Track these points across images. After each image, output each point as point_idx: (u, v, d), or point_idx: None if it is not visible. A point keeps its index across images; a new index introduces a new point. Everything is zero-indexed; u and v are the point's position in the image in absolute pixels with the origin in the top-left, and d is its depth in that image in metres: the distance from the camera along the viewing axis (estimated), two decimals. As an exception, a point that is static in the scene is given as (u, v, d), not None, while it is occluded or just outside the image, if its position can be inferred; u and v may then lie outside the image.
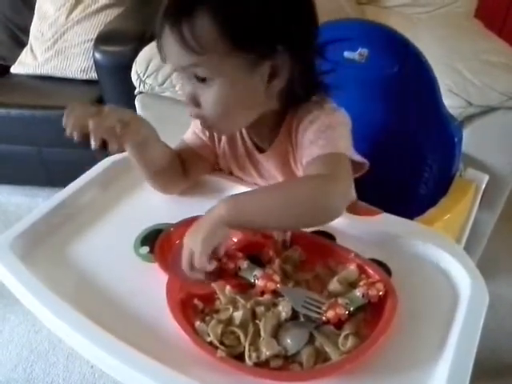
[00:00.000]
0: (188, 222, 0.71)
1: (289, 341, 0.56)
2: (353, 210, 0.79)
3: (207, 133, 0.82)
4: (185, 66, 0.64)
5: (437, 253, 0.65)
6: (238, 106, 0.67)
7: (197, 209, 0.72)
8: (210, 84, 0.64)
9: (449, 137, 0.82)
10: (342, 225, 0.69)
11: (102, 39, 1.70)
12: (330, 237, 0.68)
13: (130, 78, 1.51)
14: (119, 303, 0.62)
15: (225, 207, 0.60)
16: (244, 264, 0.63)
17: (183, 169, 0.81)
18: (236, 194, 0.65)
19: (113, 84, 1.72)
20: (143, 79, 1.42)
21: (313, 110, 0.69)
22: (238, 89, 0.65)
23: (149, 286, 0.63)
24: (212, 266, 0.61)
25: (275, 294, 0.60)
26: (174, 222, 0.71)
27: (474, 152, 1.29)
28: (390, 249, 0.67)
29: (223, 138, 0.82)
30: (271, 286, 0.60)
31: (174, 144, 0.84)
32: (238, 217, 0.60)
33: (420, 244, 0.66)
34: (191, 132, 0.84)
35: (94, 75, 1.83)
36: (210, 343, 0.55)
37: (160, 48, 0.65)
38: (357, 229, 0.69)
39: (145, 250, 0.67)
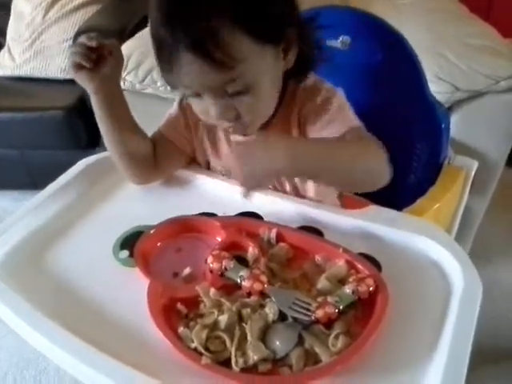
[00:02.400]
0: (169, 224, 0.68)
1: (277, 343, 0.54)
2: (340, 202, 0.77)
3: (183, 122, 0.80)
4: (217, 86, 0.61)
5: (427, 244, 0.63)
6: (275, 96, 0.69)
7: (178, 209, 0.70)
8: (247, 91, 0.63)
9: (436, 124, 0.80)
10: (329, 219, 0.67)
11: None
12: (317, 232, 0.66)
13: (111, 75, 1.48)
14: (99, 311, 0.59)
15: (289, 161, 0.58)
16: (231, 264, 0.60)
17: (156, 160, 0.79)
18: (298, 147, 0.61)
19: (93, 83, 1.68)
20: (123, 76, 1.38)
21: (317, 91, 0.70)
22: (273, 81, 0.66)
23: (129, 292, 0.60)
24: None
25: (263, 295, 0.58)
26: (155, 223, 0.68)
27: (463, 138, 1.27)
28: (379, 242, 0.65)
29: (200, 127, 0.80)
30: (258, 286, 0.57)
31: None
32: (297, 173, 0.65)
33: (410, 236, 0.64)
34: (167, 122, 0.81)
35: (74, 74, 1.79)
36: (195, 349, 0.53)
37: (171, 75, 0.62)
38: (344, 222, 0.66)
39: (124, 254, 0.65)
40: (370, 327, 0.53)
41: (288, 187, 0.78)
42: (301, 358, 0.52)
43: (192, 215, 0.69)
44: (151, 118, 1.05)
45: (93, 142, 1.85)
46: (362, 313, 0.56)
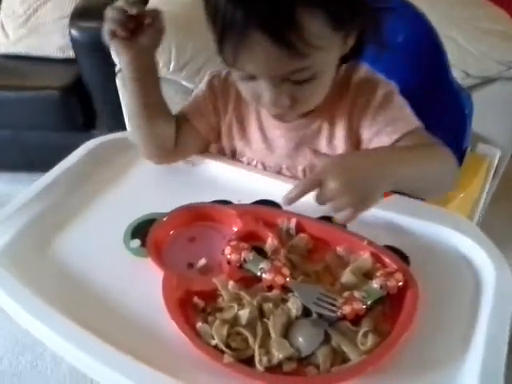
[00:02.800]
0: (183, 211, 0.65)
1: (301, 341, 0.50)
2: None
3: (211, 106, 0.75)
4: (283, 74, 0.57)
5: (455, 236, 0.60)
6: (330, 83, 0.65)
7: (191, 196, 0.66)
8: (311, 80, 0.59)
9: (460, 109, 0.76)
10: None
11: (79, 14, 1.59)
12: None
13: (109, 55, 1.42)
14: (109, 304, 0.55)
15: (393, 178, 0.56)
16: (250, 256, 0.57)
17: (176, 142, 0.74)
18: (394, 157, 0.59)
19: (92, 62, 1.62)
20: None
21: (374, 84, 0.67)
22: (334, 68, 0.63)
23: (142, 285, 0.57)
24: None
25: (284, 288, 0.55)
26: (168, 210, 0.64)
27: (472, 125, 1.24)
28: (404, 234, 0.62)
29: (230, 111, 0.75)
30: (280, 280, 0.54)
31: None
32: (395, 185, 0.59)
33: (436, 227, 0.61)
34: (193, 104, 0.76)
35: (71, 53, 1.72)
36: (215, 347, 0.50)
37: (230, 53, 0.56)
38: (367, 213, 0.63)
39: (136, 243, 0.61)
40: (400, 325, 0.50)
41: (301, 173, 0.75)
42: (328, 356, 0.49)
43: (206, 203, 0.66)
44: None
45: (89, 124, 1.80)
46: (389, 309, 0.54)
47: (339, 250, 0.60)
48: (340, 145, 0.70)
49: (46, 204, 0.69)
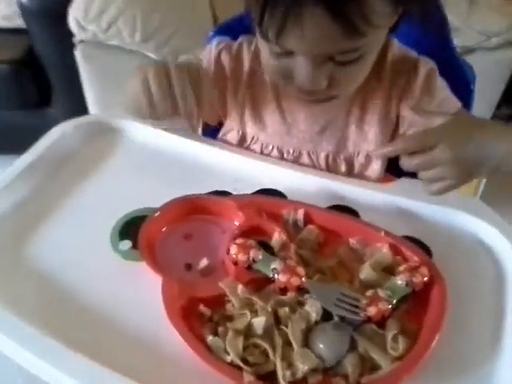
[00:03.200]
0: (176, 205, 0.57)
1: (325, 348, 0.45)
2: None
3: (217, 86, 0.67)
4: (333, 52, 0.52)
5: (476, 224, 0.56)
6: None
7: (184, 187, 0.59)
8: (357, 61, 0.54)
9: (465, 84, 0.72)
10: (363, 196, 0.58)
11: (26, -22, 1.43)
12: (351, 212, 0.57)
13: (66, 24, 1.29)
14: (99, 318, 0.48)
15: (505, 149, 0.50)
16: (259, 255, 0.51)
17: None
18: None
19: (44, 32, 1.47)
20: (84, 25, 1.20)
21: (413, 62, 0.62)
22: (379, 48, 0.58)
23: (136, 293, 0.50)
24: None
25: (299, 290, 0.49)
26: (157, 203, 0.57)
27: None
28: (421, 222, 0.58)
29: (242, 90, 0.67)
30: (296, 281, 0.49)
31: (121, 100, 0.67)
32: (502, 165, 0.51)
33: (455, 214, 0.57)
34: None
35: (20, 22, 1.56)
36: (231, 364, 0.44)
37: (274, 26, 0.49)
38: (380, 200, 0.58)
39: (126, 244, 0.53)
40: (430, 325, 0.46)
41: (323, 160, 0.68)
42: (357, 366, 0.44)
43: (202, 194, 0.59)
44: (115, 71, 0.90)
45: (44, 101, 1.65)
46: (413, 306, 0.49)
47: (352, 242, 0.55)
48: (372, 131, 0.64)
49: (14, 199, 0.59)
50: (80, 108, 1.57)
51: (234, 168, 0.64)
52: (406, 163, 0.51)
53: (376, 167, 0.66)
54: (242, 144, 0.69)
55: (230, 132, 0.70)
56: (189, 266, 0.53)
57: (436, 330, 0.46)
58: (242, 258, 0.50)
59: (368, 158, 0.67)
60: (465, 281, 0.52)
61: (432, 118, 0.59)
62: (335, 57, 0.53)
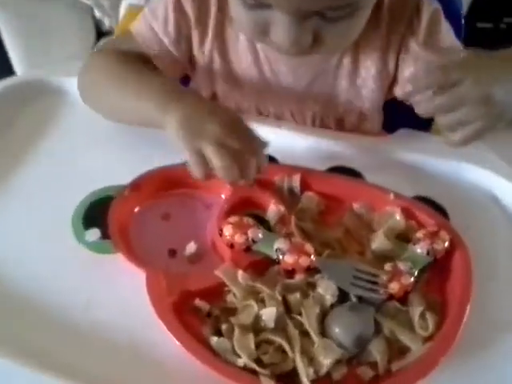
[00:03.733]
0: (147, 179, 0.48)
1: (344, 334, 0.39)
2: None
3: (185, 30, 0.56)
4: (322, 8, 0.43)
5: (491, 179, 0.51)
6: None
7: (157, 156, 0.49)
8: (348, 17, 0.45)
9: (454, 14, 0.64)
10: (364, 154, 0.51)
11: None
12: (353, 173, 0.50)
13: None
14: (67, 327, 0.39)
15: None
16: (259, 234, 0.43)
17: None
18: None
19: None
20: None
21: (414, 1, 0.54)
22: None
23: (114, 292, 0.41)
24: None
25: (308, 270, 0.42)
26: (126, 180, 0.47)
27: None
28: (431, 178, 0.52)
29: (209, 41, 0.56)
30: (305, 261, 0.42)
31: (43, 48, 0.56)
32: None
33: (466, 168, 0.51)
34: (147, 32, 0.56)
35: None
36: (244, 368, 0.37)
37: None
38: (383, 157, 0.51)
39: (93, 234, 0.43)
40: (460, 296, 0.41)
41: (309, 121, 0.60)
42: (385, 352, 0.39)
43: (177, 164, 0.49)
44: (34, 18, 0.75)
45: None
46: (435, 276, 0.44)
47: (356, 207, 0.49)
48: (366, 86, 0.56)
49: None
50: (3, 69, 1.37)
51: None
52: (424, 105, 0.43)
53: (371, 126, 0.59)
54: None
55: (200, 91, 0.59)
56: (173, 253, 0.45)
57: (466, 302, 0.41)
58: (239, 239, 0.43)
59: (361, 117, 0.59)
60: (483, 243, 0.47)
61: (443, 55, 0.52)
62: (325, 12, 0.44)
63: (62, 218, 0.44)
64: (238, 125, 0.44)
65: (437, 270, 0.44)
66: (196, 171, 0.42)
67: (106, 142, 0.53)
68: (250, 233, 0.43)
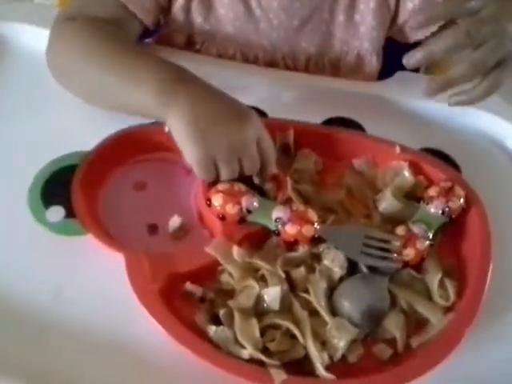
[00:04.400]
0: (116, 141, 0.40)
1: (356, 311, 0.35)
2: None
3: None
4: None
5: (493, 122, 0.46)
6: None
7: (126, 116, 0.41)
8: None
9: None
10: (363, 102, 0.45)
11: None
12: (353, 125, 0.44)
13: None
14: (34, 325, 0.33)
15: None
16: (254, 202, 0.37)
17: None
18: None
19: None
20: None
21: None
22: None
23: (88, 281, 0.35)
24: None
25: (312, 240, 0.37)
26: (90, 145, 0.39)
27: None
28: (436, 127, 0.46)
29: None
30: (308, 231, 0.36)
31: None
32: None
33: (475, 114, 0.46)
34: None
35: None
36: (251, 360, 0.32)
37: None
38: (384, 105, 0.45)
39: (56, 213, 0.36)
40: (480, 259, 0.37)
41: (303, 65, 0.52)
42: (403, 328, 0.35)
43: (151, 123, 0.42)
44: None
45: None
46: (449, 237, 0.40)
47: (357, 163, 0.43)
48: (364, 22, 0.50)
49: None
50: None
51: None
52: (436, 44, 0.36)
53: (369, 70, 0.52)
54: (189, 49, 0.51)
55: (173, 34, 0.51)
56: (153, 229, 0.38)
57: (487, 264, 0.37)
58: (231, 210, 0.36)
59: (359, 59, 0.52)
60: (496, 197, 0.42)
61: None
62: None
63: (14, 194, 0.37)
64: (250, 124, 0.37)
65: (451, 230, 0.40)
66: (204, 177, 0.38)
67: (63, 99, 0.44)
68: (244, 201, 0.37)
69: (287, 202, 0.38)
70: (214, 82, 0.42)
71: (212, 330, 0.32)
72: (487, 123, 0.47)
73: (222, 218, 0.37)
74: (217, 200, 0.37)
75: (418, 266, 0.37)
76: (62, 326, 0.33)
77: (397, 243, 0.37)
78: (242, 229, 0.37)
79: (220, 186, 0.37)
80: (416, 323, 0.36)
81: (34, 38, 0.48)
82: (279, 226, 0.36)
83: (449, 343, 0.33)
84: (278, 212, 0.37)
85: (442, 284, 0.36)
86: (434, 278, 0.36)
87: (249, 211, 0.37)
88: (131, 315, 0.33)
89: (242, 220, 0.37)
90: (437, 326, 0.35)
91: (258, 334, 0.32)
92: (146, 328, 0.32)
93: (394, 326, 0.35)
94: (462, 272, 0.38)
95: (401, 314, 0.35)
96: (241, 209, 0.37)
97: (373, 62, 0.52)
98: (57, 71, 0.44)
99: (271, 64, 0.51)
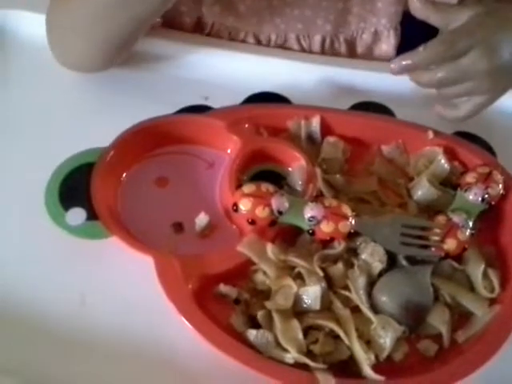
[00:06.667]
0: (134, 134, 0.38)
1: (399, 307, 0.33)
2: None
3: None
4: None
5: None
6: None
7: (131, 105, 0.39)
8: None
9: None
10: (391, 86, 0.42)
11: None
12: (382, 109, 0.42)
13: None
14: (59, 335, 0.31)
15: None
16: (284, 202, 0.35)
17: None
18: None
19: None
20: None
21: None
22: None
23: (115, 285, 0.33)
24: None
25: (349, 235, 0.35)
26: (106, 141, 0.37)
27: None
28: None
29: None
30: (345, 227, 0.34)
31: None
32: None
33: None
34: None
35: None
36: (296, 365, 0.30)
37: None
38: (411, 88, 0.43)
39: (77, 215, 0.34)
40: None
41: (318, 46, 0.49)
42: (448, 322, 0.33)
43: (170, 115, 0.39)
44: None
45: None
46: (487, 224, 0.38)
47: (386, 150, 0.41)
48: None
49: None
50: None
51: (201, 65, 0.44)
52: (426, 78, 0.37)
53: (386, 47, 0.50)
54: (199, 33, 0.48)
55: (181, 17, 0.47)
56: (179, 227, 0.36)
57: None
58: (261, 213, 0.34)
59: (376, 36, 0.50)
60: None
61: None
62: None
63: (30, 197, 0.34)
64: None
65: (490, 217, 0.38)
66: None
67: (74, 92, 0.41)
68: (274, 203, 0.34)
69: (317, 197, 0.36)
70: (228, 67, 0.40)
71: (252, 334, 0.31)
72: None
73: (252, 222, 0.34)
74: (244, 204, 0.34)
75: (459, 256, 0.36)
76: (89, 333, 0.31)
77: (437, 230, 0.35)
78: (272, 229, 0.35)
79: (246, 189, 0.35)
80: (460, 317, 0.34)
81: (36, 24, 0.45)
82: (313, 225, 0.34)
83: (497, 338, 0.32)
84: (311, 210, 0.34)
85: (485, 274, 0.35)
86: (476, 269, 0.35)
87: (280, 212, 0.34)
88: (162, 320, 0.31)
89: (273, 223, 0.35)
90: (483, 318, 0.33)
91: (301, 336, 0.31)
92: (178, 333, 0.31)
93: (438, 320, 0.33)
94: (503, 261, 0.36)
95: (445, 308, 0.34)
96: (271, 211, 0.34)
97: (390, 39, 0.49)
98: (55, 27, 0.41)
99: (284, 46, 0.48)
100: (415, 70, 0.36)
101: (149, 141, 0.38)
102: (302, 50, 0.48)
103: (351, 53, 0.50)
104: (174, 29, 0.48)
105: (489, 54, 0.36)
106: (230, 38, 0.48)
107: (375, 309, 0.33)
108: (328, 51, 0.49)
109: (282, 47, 0.48)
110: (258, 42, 0.48)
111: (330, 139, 0.41)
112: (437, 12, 0.37)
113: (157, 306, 0.31)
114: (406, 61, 0.35)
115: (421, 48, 0.35)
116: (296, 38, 0.48)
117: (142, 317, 0.32)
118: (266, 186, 0.35)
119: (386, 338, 0.31)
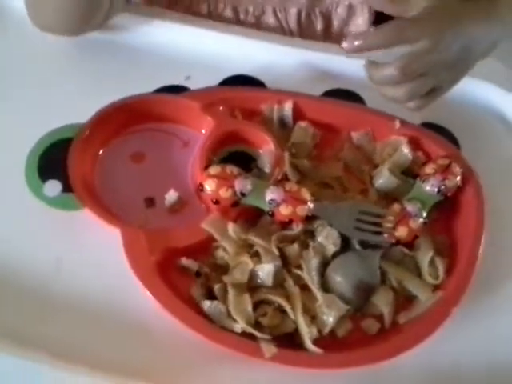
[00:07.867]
0: (113, 112, 0.40)
1: (348, 287, 0.36)
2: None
3: None
4: None
5: (497, 93, 0.45)
6: None
7: (121, 85, 0.41)
8: None
9: None
10: (360, 71, 0.43)
11: None
12: (354, 97, 0.44)
13: None
14: (33, 298, 0.34)
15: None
16: (247, 184, 0.37)
17: None
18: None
19: None
20: None
21: None
22: None
23: (83, 254, 0.36)
24: None
25: (306, 218, 0.37)
26: (84, 117, 0.39)
27: None
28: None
29: None
30: (302, 210, 0.36)
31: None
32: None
33: (473, 83, 0.45)
34: None
35: None
36: (244, 334, 0.33)
37: None
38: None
39: (54, 187, 0.36)
40: (472, 237, 0.38)
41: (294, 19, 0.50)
42: (391, 302, 0.36)
43: (148, 93, 0.41)
44: None
45: None
46: (442, 214, 0.40)
47: (356, 137, 0.43)
48: None
49: None
50: None
51: (178, 45, 0.45)
52: (374, 75, 0.37)
53: (360, 21, 0.51)
54: (174, 8, 0.49)
55: None
56: (150, 202, 0.39)
57: (478, 244, 0.37)
58: (224, 194, 0.36)
59: (350, 10, 0.51)
60: (495, 174, 0.42)
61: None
62: None
63: (11, 168, 0.37)
64: None
65: (446, 207, 0.40)
66: None
67: (53, 68, 0.43)
68: (237, 185, 0.36)
69: (280, 181, 0.38)
70: (206, 48, 0.41)
71: (206, 304, 0.34)
72: (490, 94, 0.46)
73: (216, 202, 0.37)
74: (209, 185, 0.37)
75: (411, 243, 0.38)
76: (62, 296, 0.35)
77: (390, 217, 0.37)
78: (234, 209, 0.37)
79: (212, 170, 0.37)
80: (405, 300, 0.37)
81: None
82: (273, 208, 0.37)
83: (435, 321, 0.35)
84: (271, 193, 0.37)
85: (432, 262, 0.37)
86: (424, 256, 0.37)
87: (242, 194, 0.37)
88: (128, 288, 0.34)
89: (235, 204, 0.37)
90: (425, 303, 0.36)
91: (250, 309, 0.33)
92: (143, 301, 0.34)
93: (382, 302, 0.36)
94: (453, 251, 0.38)
95: (390, 291, 0.36)
96: (234, 192, 0.36)
97: (365, 12, 0.50)
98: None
99: (260, 18, 0.49)
100: (366, 50, 0.36)
101: (126, 118, 0.40)
102: (279, 22, 0.49)
103: (327, 27, 0.51)
104: (151, 4, 0.49)
105: (436, 45, 0.37)
106: (208, 10, 0.49)
107: (328, 288, 0.36)
108: (304, 24, 0.50)
109: (259, 20, 0.49)
110: (236, 15, 0.49)
111: (302, 124, 0.42)
112: (392, 2, 0.38)
113: (124, 275, 0.34)
114: (358, 41, 0.36)
115: (371, 29, 0.36)
116: (273, 10, 0.49)
117: (109, 283, 0.35)
118: (231, 169, 0.37)
119: (329, 315, 0.34)
